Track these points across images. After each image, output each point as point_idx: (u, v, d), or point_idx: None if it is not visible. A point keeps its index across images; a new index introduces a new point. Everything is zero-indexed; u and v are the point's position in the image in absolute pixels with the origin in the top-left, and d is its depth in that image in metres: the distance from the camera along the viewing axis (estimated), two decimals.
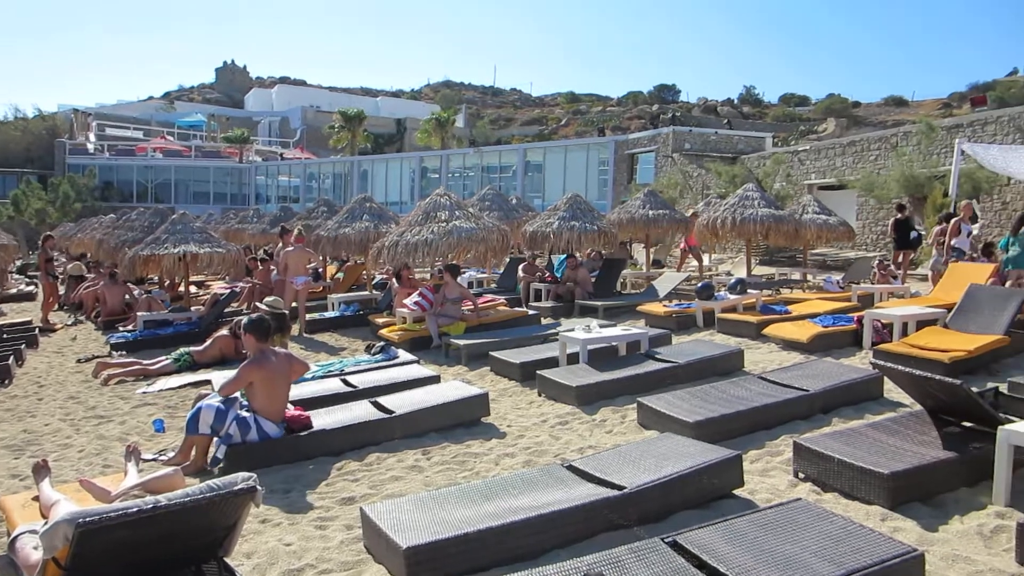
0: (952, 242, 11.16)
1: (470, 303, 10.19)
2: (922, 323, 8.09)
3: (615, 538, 3.69)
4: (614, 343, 7.92)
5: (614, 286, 12.93)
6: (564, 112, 67.61)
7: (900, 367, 5.06)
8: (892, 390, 6.10)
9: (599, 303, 11.28)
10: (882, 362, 5.81)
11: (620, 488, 3.96)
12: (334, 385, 7.06)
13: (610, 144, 33.69)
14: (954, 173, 14.31)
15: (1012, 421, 4.40)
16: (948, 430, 4.69)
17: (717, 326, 9.61)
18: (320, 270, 15.24)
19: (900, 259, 13.40)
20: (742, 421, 5.42)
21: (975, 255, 11.16)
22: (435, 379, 7.26)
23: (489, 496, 4.00)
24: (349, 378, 7.26)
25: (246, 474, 3.20)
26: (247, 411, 5.35)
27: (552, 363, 7.64)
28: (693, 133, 31.63)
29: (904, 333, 7.89)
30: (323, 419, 5.78)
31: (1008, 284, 10.05)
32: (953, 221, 11.42)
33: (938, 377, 4.66)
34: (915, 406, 5.27)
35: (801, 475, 4.59)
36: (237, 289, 13.46)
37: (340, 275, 15.70)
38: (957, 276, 9.54)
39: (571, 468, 4.37)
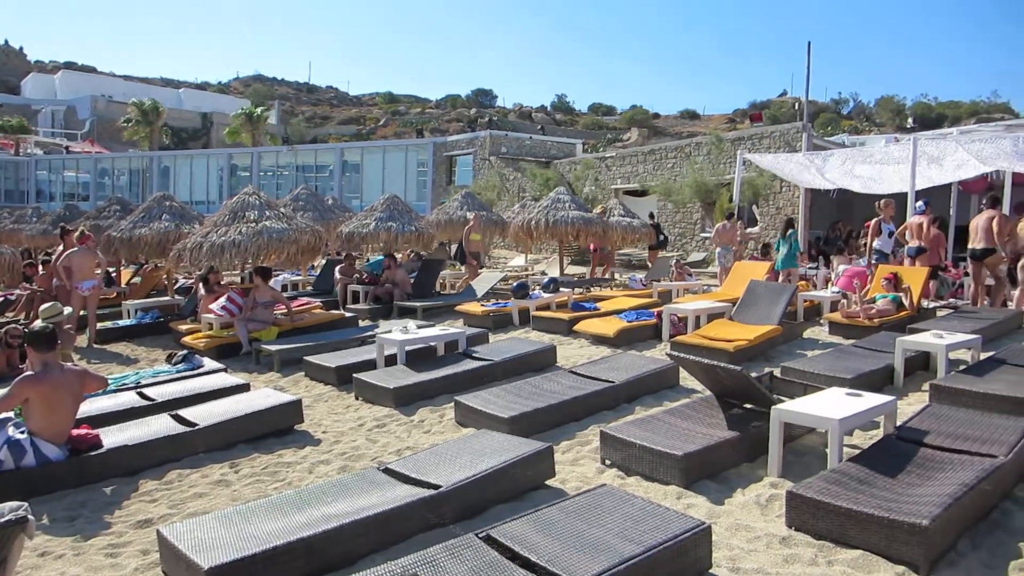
0: (874, 243, 10.98)
1: (283, 306, 9.77)
2: (712, 316, 8.90)
3: (432, 537, 3.69)
4: (432, 343, 7.94)
5: (433, 287, 12.98)
6: (383, 112, 66.84)
7: (692, 357, 5.51)
8: (687, 378, 6.65)
9: (418, 304, 11.27)
10: (676, 353, 6.29)
11: (436, 487, 3.97)
12: (128, 399, 6.46)
13: (429, 146, 33.79)
14: (737, 180, 15.90)
15: (783, 401, 4.97)
16: (732, 412, 5.18)
17: (532, 324, 9.95)
18: (113, 274, 13.91)
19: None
20: (554, 414, 5.64)
21: (893, 253, 11.06)
22: (244, 387, 6.88)
23: (301, 506, 3.85)
24: (146, 391, 6.68)
25: (15, 504, 2.85)
26: (23, 433, 4.75)
27: (370, 366, 7.52)
28: (509, 137, 32.54)
29: (697, 325, 8.63)
30: (115, 437, 5.27)
31: (780, 280, 11.33)
32: (874, 221, 11.15)
33: (722, 365, 5.14)
34: (706, 392, 5.77)
35: (608, 462, 4.86)
36: (12, 296, 11.95)
37: (137, 279, 14.43)
38: (740, 274, 10.59)
39: (387, 471, 4.32)
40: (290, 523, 3.61)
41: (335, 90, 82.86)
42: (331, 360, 7.70)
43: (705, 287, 13.07)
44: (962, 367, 6.67)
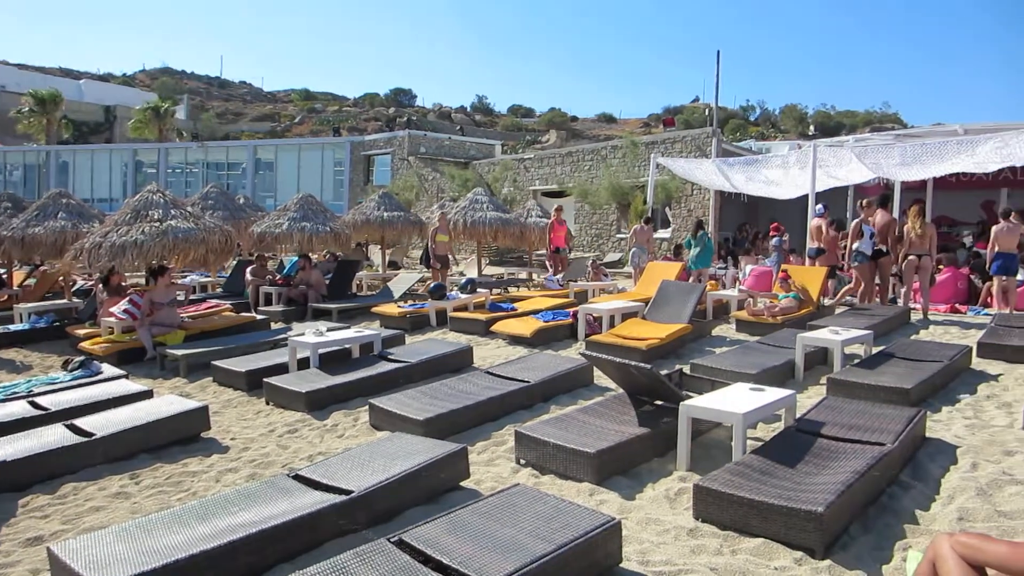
0: (855, 245, 10.65)
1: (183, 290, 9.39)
2: (626, 315, 9.10)
3: (343, 544, 3.63)
4: (347, 345, 7.81)
5: (349, 288, 12.76)
6: (298, 110, 65.20)
7: (604, 356, 5.62)
8: (601, 376, 6.77)
9: (333, 306, 11.06)
10: (590, 352, 6.40)
11: (348, 493, 3.90)
12: (18, 409, 6.07)
13: (346, 145, 33.24)
14: (651, 183, 16.32)
15: (692, 397, 5.13)
16: (644, 409, 5.31)
17: (449, 325, 9.93)
18: (4, 276, 13.07)
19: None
20: (469, 415, 5.64)
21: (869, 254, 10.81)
22: (147, 394, 6.57)
23: (206, 517, 3.71)
24: (39, 399, 6.30)
25: None
26: None
27: (282, 369, 7.32)
28: (428, 137, 32.37)
29: (611, 325, 8.80)
30: (3, 450, 4.95)
31: (692, 280, 11.69)
32: (856, 222, 10.84)
33: (633, 363, 5.26)
34: (619, 389, 5.89)
35: (522, 461, 4.90)
36: None
37: (31, 281, 13.60)
38: (653, 274, 10.86)
39: (297, 477, 4.22)
40: (194, 535, 3.48)
41: (248, 85, 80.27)
42: (241, 364, 7.46)
43: (620, 287, 13.35)
44: (856, 361, 7.06)
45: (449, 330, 9.83)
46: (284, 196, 28.19)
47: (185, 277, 15.20)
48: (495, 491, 4.05)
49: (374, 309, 10.84)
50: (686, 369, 6.73)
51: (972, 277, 12.34)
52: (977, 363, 7.37)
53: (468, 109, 65.65)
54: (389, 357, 7.50)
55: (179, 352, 8.12)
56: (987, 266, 10.29)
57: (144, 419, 5.51)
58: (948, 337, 8.79)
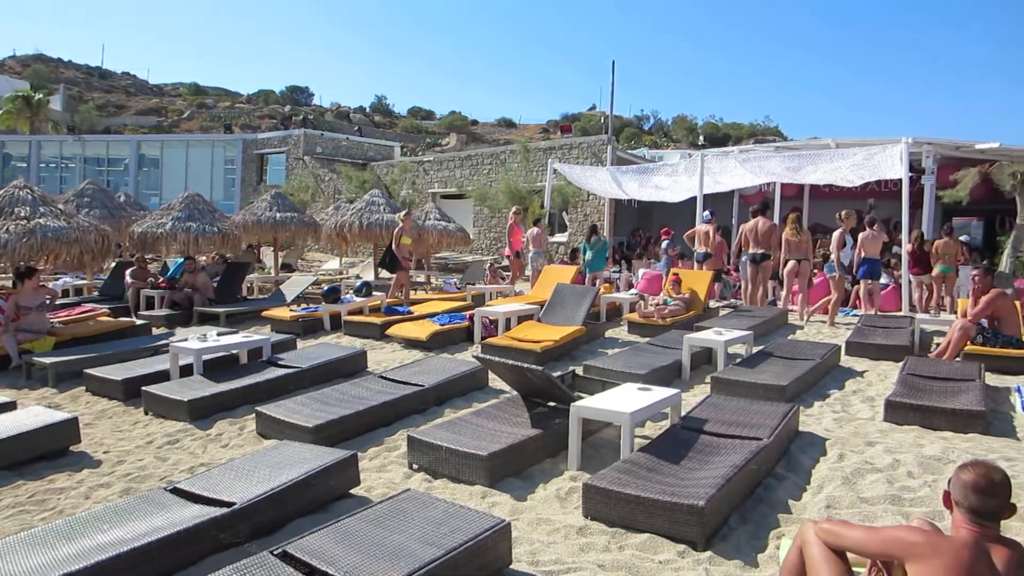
0: (839, 255, 10.49)
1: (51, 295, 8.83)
2: (522, 318, 9.19)
3: (224, 559, 3.48)
4: (233, 351, 7.51)
5: (238, 291, 12.28)
6: (187, 104, 62.24)
7: (497, 359, 5.65)
8: (496, 379, 6.80)
9: (220, 310, 10.61)
10: (483, 355, 6.41)
11: (230, 505, 3.74)
12: None
13: (238, 143, 32.05)
14: (548, 188, 16.59)
15: (583, 398, 5.23)
16: (537, 411, 5.37)
17: (344, 328, 9.72)
18: None
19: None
20: (361, 420, 5.54)
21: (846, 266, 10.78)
22: (9, 406, 6.07)
23: (72, 536, 3.46)
24: None
25: None
26: None
27: (163, 377, 6.94)
28: (325, 137, 31.67)
29: (507, 327, 8.86)
30: None
31: (587, 283, 11.93)
32: (838, 233, 10.60)
33: (525, 365, 5.31)
34: (513, 392, 5.93)
35: (415, 466, 4.85)
36: None
37: None
38: (548, 277, 11.02)
39: (176, 491, 4.01)
40: (56, 557, 3.24)
41: (132, 77, 75.83)
42: (117, 372, 7.02)
43: (518, 291, 13.47)
44: (738, 360, 7.41)
45: (344, 334, 9.63)
46: (170, 194, 26.80)
47: (58, 280, 14.21)
48: (385, 497, 3.99)
49: (265, 313, 10.47)
50: (579, 370, 6.87)
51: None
52: (845, 360, 7.89)
53: (367, 110, 64.62)
54: (279, 363, 7.26)
55: (47, 360, 7.55)
56: (855, 271, 11.03)
57: (5, 433, 5.09)
58: (821, 337, 9.36)
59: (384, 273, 12.75)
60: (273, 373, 6.91)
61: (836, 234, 10.61)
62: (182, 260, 12.17)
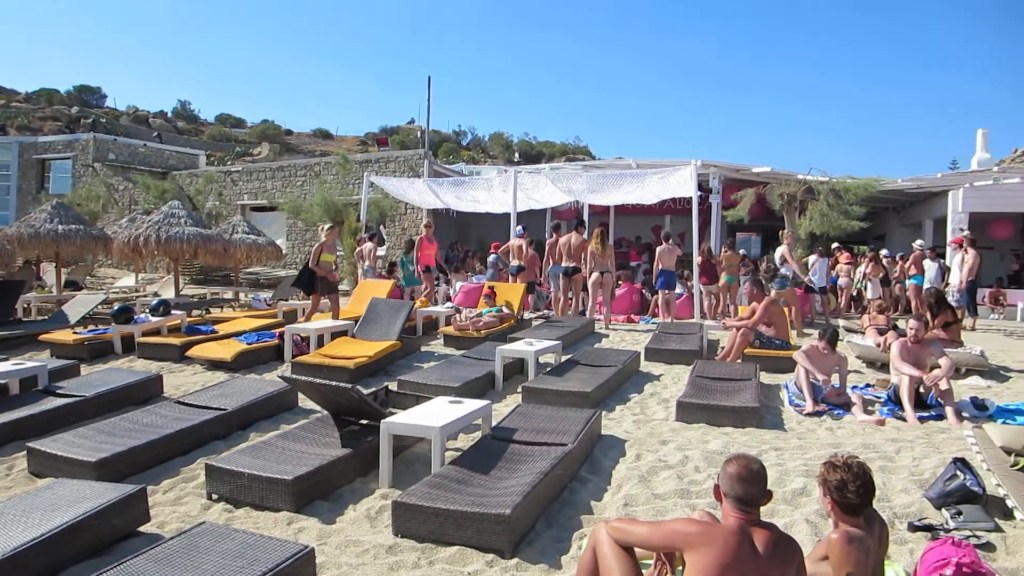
0: (784, 269, 11.40)
1: None
2: (336, 334, 8.96)
3: None
4: (2, 380, 6.64)
5: (11, 312, 10.90)
6: None
7: (302, 378, 5.46)
8: (306, 399, 6.55)
9: None
10: (289, 375, 6.19)
11: None
12: None
13: (14, 146, 28.56)
14: (364, 201, 16.35)
15: (395, 414, 5.18)
16: (347, 429, 5.24)
17: (138, 351, 8.93)
18: None
19: None
20: (154, 451, 5.10)
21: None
22: None
23: None
24: None
25: None
26: None
27: None
28: (119, 143, 29.12)
29: (320, 344, 8.59)
30: None
31: (405, 297, 11.88)
32: (785, 248, 11.68)
33: (332, 383, 5.17)
34: (323, 411, 5.75)
35: (215, 496, 4.55)
36: None
37: None
38: (364, 292, 10.84)
39: None
40: None
41: None
42: None
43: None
44: (548, 369, 7.71)
45: (137, 357, 8.84)
46: None
47: None
48: (177, 533, 3.70)
49: (43, 337, 9.37)
50: (393, 386, 6.80)
51: (643, 291, 14.21)
52: (644, 365, 8.48)
53: (169, 115, 60.06)
54: (58, 392, 6.51)
55: None
56: (653, 281, 11.92)
57: None
58: (624, 344, 9.99)
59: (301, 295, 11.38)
60: (50, 404, 6.17)
61: (783, 250, 11.76)
62: None
